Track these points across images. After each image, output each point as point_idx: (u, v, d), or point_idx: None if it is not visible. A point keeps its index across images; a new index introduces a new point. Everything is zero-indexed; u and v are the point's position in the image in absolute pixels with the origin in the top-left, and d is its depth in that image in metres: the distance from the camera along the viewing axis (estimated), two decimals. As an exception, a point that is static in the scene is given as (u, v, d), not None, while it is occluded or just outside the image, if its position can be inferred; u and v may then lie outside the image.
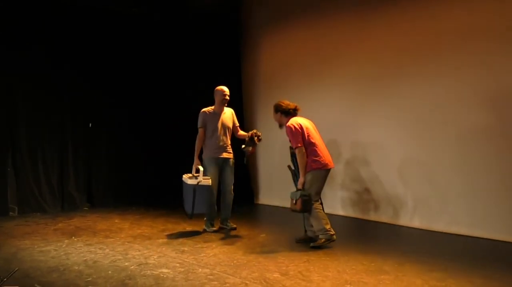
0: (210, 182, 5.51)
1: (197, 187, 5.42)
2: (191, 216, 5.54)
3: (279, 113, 5.16)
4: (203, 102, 5.95)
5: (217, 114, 5.77)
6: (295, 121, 5.04)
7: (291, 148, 5.14)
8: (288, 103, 5.14)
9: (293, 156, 5.08)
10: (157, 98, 8.03)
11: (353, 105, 6.73)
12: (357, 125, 6.65)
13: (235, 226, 5.87)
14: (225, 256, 4.63)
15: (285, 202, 7.18)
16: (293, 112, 5.13)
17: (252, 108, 8.40)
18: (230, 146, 5.82)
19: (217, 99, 5.79)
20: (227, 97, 5.76)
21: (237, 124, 5.95)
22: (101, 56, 7.63)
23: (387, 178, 6.32)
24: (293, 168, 5.17)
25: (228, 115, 5.85)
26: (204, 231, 5.74)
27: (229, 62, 8.36)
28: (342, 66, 6.87)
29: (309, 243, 5.02)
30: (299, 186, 4.95)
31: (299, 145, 4.92)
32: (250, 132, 5.53)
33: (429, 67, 5.84)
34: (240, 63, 8.53)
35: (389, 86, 6.28)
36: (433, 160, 5.82)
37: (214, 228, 5.78)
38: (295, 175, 5.13)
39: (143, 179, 7.86)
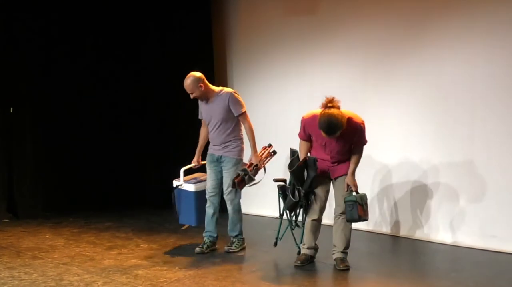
0: (194, 187, 5.74)
1: (177, 192, 5.81)
2: (180, 223, 5.99)
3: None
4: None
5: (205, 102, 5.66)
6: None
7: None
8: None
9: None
10: (107, 68, 7.83)
11: (360, 81, 6.71)
12: (365, 108, 6.61)
13: (234, 248, 5.75)
14: (191, 282, 4.60)
15: (266, 210, 7.17)
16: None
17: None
18: (229, 142, 5.66)
19: None
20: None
21: (239, 112, 5.60)
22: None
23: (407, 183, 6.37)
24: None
25: (219, 102, 5.57)
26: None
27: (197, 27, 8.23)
28: (346, 28, 6.83)
29: (309, 264, 5.10)
30: (356, 189, 5.06)
31: None
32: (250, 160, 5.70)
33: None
34: (210, 26, 8.39)
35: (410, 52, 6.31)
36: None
37: (202, 249, 5.57)
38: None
39: (83, 182, 7.78)
